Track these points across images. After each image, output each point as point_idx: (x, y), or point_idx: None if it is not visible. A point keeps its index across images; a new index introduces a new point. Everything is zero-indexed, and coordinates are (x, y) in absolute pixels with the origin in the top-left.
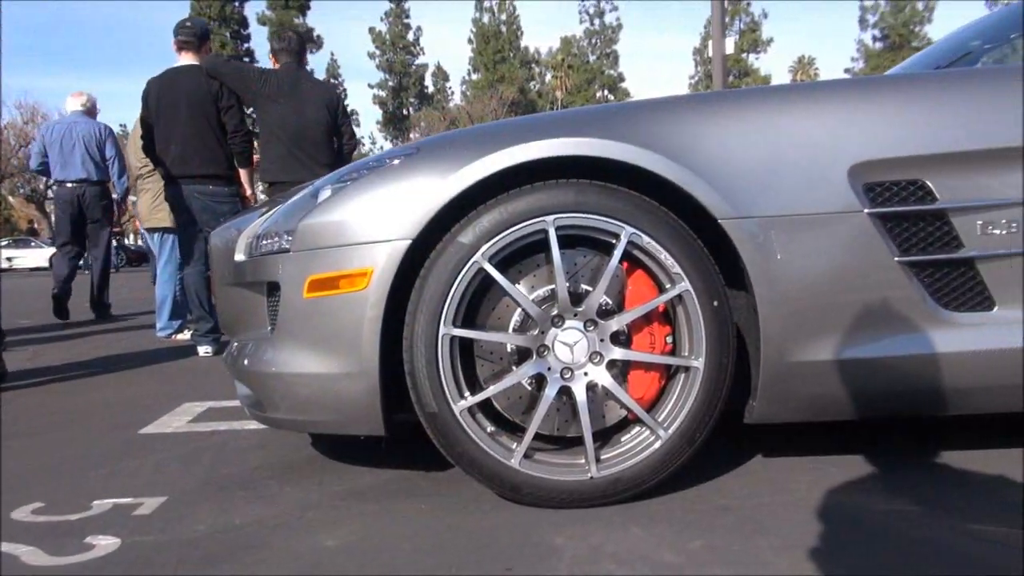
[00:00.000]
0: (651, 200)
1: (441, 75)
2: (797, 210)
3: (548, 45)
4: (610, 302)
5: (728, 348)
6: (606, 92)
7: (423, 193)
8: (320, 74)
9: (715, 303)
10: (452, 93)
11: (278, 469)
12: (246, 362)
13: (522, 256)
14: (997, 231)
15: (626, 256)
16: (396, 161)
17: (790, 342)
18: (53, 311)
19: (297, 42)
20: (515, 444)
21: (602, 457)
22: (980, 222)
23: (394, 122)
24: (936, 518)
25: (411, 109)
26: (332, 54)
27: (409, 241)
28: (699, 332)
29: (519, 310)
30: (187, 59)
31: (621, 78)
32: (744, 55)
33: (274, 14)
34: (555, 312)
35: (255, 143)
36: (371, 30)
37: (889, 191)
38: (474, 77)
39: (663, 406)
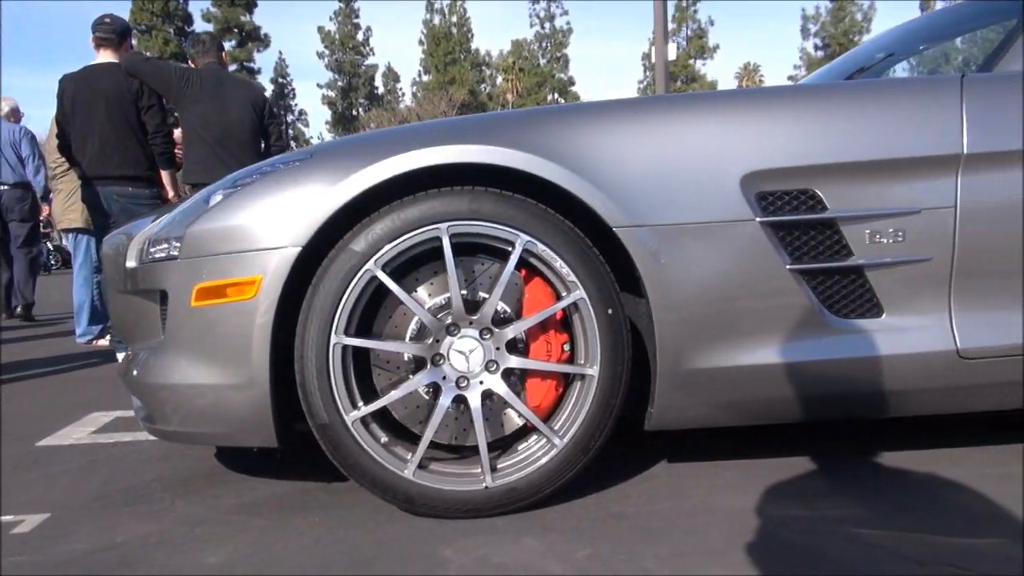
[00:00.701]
0: (547, 208)
1: (391, 76)
2: (691, 219)
3: (499, 48)
4: (508, 310)
5: (623, 356)
6: (556, 95)
7: (313, 200)
8: (268, 73)
9: (609, 311)
10: (403, 94)
11: (174, 482)
12: (136, 373)
13: (420, 264)
14: (885, 240)
15: (524, 264)
16: (288, 166)
17: (685, 349)
18: None
19: (213, 43)
20: (410, 454)
21: (499, 466)
22: (868, 231)
23: (344, 122)
24: (825, 524)
25: (361, 110)
26: (280, 53)
27: (299, 249)
28: (594, 340)
29: (416, 318)
30: (106, 56)
31: (571, 82)
32: (691, 61)
33: (220, 11)
34: (450, 320)
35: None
36: (320, 29)
37: (781, 200)
38: (425, 78)
39: (560, 414)
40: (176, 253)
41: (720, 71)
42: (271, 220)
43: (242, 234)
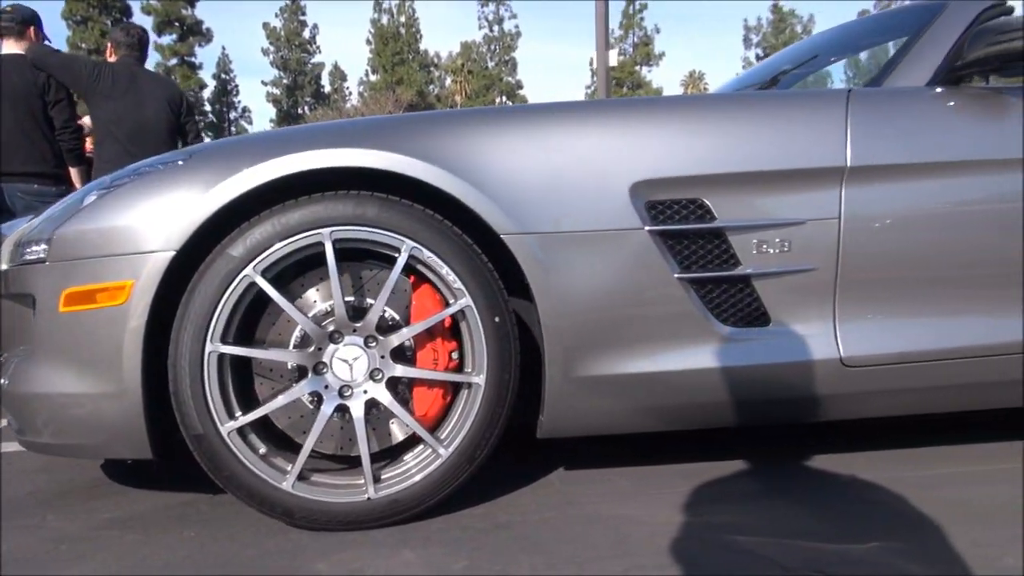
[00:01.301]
0: (435, 215)
1: (338, 75)
2: (580, 227)
3: (448, 49)
4: (397, 317)
5: (510, 364)
6: (504, 98)
7: (190, 203)
8: (210, 69)
9: (497, 319)
10: (350, 93)
11: (50, 495)
12: (4, 382)
13: (310, 268)
14: (771, 250)
15: (413, 271)
16: (166, 167)
17: (574, 357)
18: None
19: (141, 39)
20: (291, 466)
21: (383, 477)
22: (755, 241)
23: (289, 121)
24: (707, 531)
25: (307, 108)
26: (223, 48)
27: (173, 253)
28: (481, 348)
29: (300, 326)
30: (9, 48)
31: (519, 85)
32: (637, 67)
33: (160, 3)
34: (333, 328)
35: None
36: (265, 25)
37: (670, 209)
38: (372, 78)
39: (447, 423)
40: (44, 256)
41: (666, 78)
42: (145, 223)
43: (114, 237)
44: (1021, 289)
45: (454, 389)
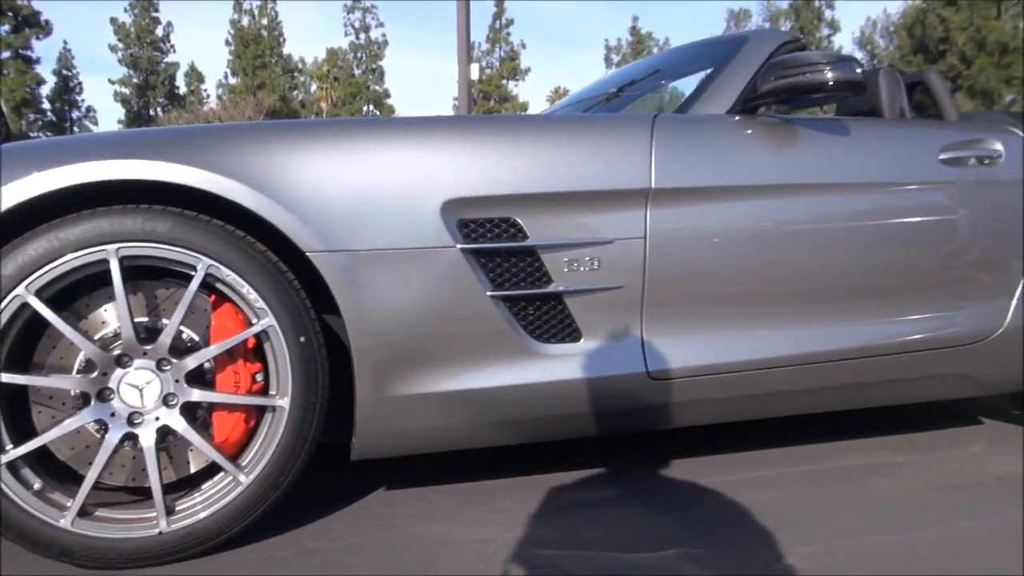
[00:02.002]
0: (236, 231)
1: (195, 76)
2: (390, 244)
3: (314, 55)
4: (196, 338)
5: (317, 385)
6: (371, 107)
7: None
8: (50, 64)
9: (302, 339)
10: (207, 96)
11: None
12: None
13: (100, 287)
14: (581, 268)
15: (213, 290)
16: None
17: (386, 376)
18: None
19: None
20: (71, 501)
21: (178, 508)
22: (566, 259)
23: (139, 122)
24: (511, 546)
25: (159, 109)
26: (65, 43)
27: None
28: (286, 370)
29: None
30: None
31: (387, 94)
32: (504, 81)
33: None
34: (120, 351)
35: None
36: (113, 20)
37: (482, 228)
38: (232, 81)
39: (250, 449)
40: None
41: (532, 93)
42: None
43: None
44: (815, 303)
45: (258, 413)
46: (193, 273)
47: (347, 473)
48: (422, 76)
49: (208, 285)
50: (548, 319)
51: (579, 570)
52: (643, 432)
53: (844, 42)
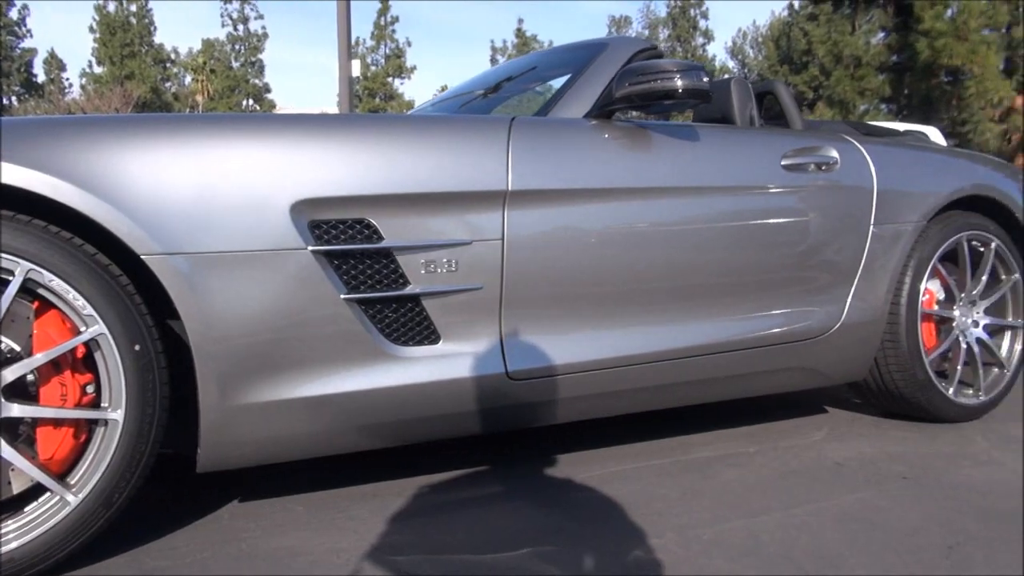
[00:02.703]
0: (61, 232)
1: (55, 63)
2: (236, 246)
3: (189, 45)
4: (17, 348)
5: (155, 396)
6: (251, 101)
7: None
8: None
9: (137, 347)
10: (70, 85)
11: None
12: None
13: None
14: (439, 270)
15: (36, 296)
16: None
17: (232, 384)
18: None
19: None
20: None
21: (1, 532)
22: (423, 261)
23: None
24: (365, 553)
25: (15, 98)
26: None
27: None
28: (119, 380)
29: None
30: None
31: (267, 88)
32: (389, 79)
33: None
34: None
35: None
36: None
37: (335, 229)
38: (97, 70)
39: (80, 466)
40: None
41: (419, 91)
42: None
43: None
44: (672, 302)
45: (89, 427)
46: (11, 279)
47: (208, 487)
48: (306, 71)
49: (30, 291)
50: (405, 322)
51: (431, 573)
52: (504, 432)
53: (718, 51)
